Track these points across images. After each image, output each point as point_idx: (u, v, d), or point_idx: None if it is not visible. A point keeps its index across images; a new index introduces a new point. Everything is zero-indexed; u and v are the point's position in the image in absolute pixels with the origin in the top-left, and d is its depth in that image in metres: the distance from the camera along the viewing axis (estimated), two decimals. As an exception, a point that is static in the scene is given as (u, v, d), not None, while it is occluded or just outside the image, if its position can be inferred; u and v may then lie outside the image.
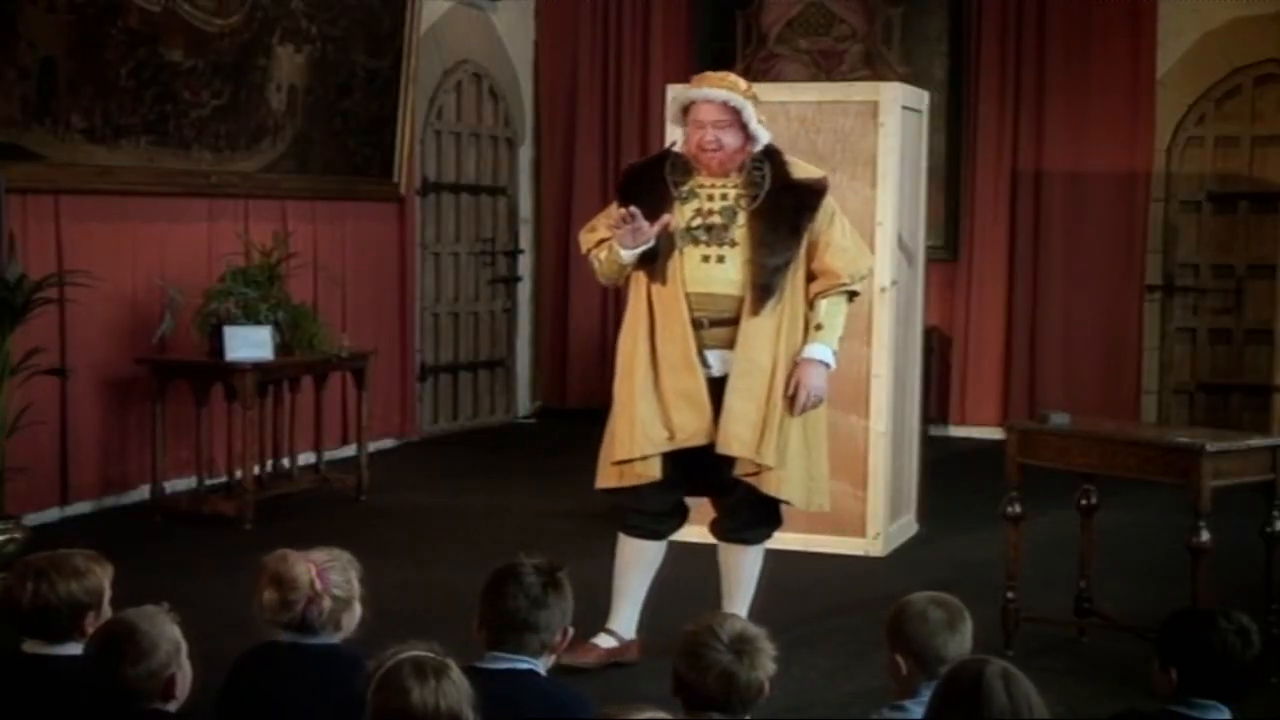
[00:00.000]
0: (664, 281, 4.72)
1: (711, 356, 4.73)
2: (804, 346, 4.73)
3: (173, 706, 2.87)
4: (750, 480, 4.70)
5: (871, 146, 6.44)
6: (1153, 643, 3.19)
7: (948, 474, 8.08)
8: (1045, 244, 9.60)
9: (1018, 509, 5.06)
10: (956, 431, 9.73)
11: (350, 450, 8.01)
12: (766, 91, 7.19)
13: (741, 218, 4.71)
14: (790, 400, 4.70)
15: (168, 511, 6.97)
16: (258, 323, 6.90)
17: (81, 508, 7.04)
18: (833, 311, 4.79)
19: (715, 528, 4.98)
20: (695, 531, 5.20)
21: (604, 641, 4.83)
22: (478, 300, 10.08)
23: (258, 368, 6.88)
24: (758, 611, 4.69)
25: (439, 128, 9.61)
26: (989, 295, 9.74)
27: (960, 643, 3.04)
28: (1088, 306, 9.54)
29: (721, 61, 10.13)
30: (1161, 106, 9.41)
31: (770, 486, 4.72)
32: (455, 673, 2.61)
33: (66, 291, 6.51)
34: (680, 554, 5.15)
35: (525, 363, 10.57)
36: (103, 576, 3.24)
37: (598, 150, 10.31)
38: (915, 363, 7.05)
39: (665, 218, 4.68)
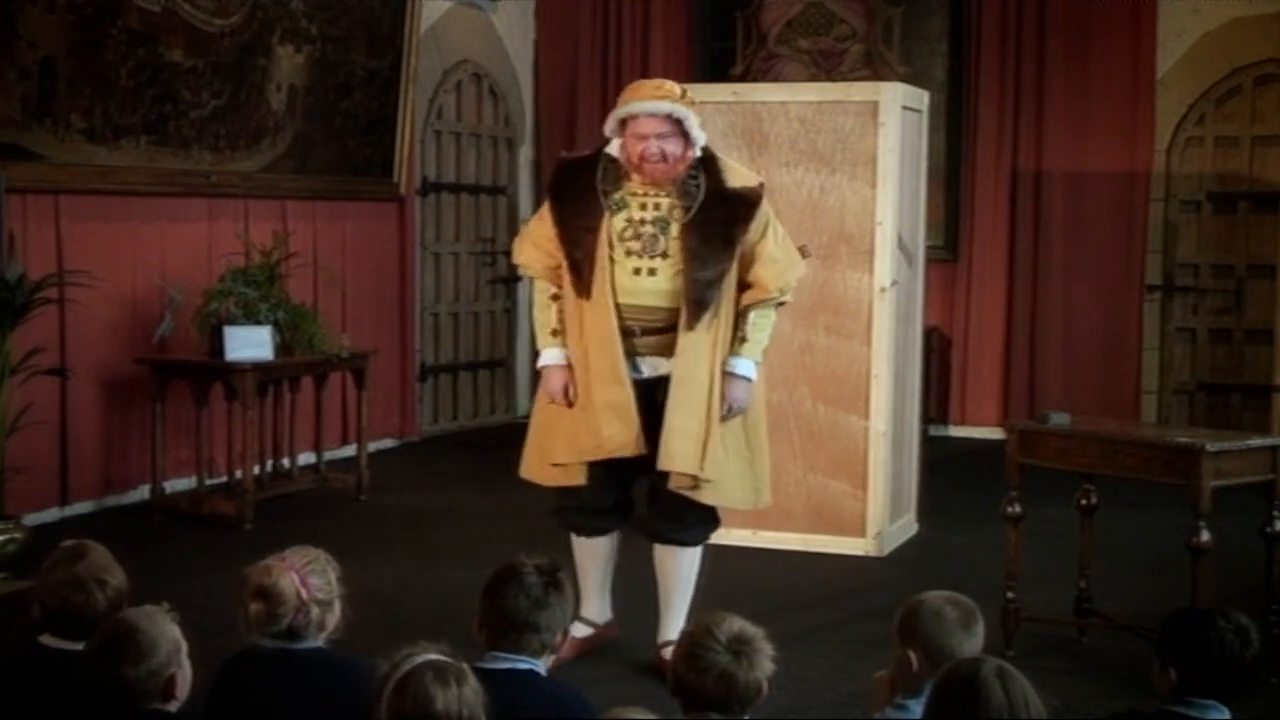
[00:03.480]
0: (592, 293, 4.64)
1: (643, 363, 4.72)
2: (729, 359, 4.68)
3: (173, 706, 2.87)
4: (689, 494, 4.68)
5: (871, 146, 6.44)
6: (1152, 642, 3.19)
7: (948, 474, 8.09)
8: (1045, 244, 9.60)
9: (1018, 509, 5.06)
10: (956, 431, 9.73)
11: (350, 450, 8.01)
12: (766, 92, 7.27)
13: (674, 229, 4.63)
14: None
15: (168, 511, 6.97)
16: (258, 323, 6.90)
17: (81, 508, 7.04)
18: (760, 324, 4.74)
19: (650, 529, 4.90)
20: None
21: (578, 631, 4.82)
22: (477, 300, 10.08)
23: (258, 368, 6.88)
24: (757, 612, 4.67)
25: (439, 128, 9.62)
26: (989, 295, 9.74)
27: (974, 643, 3.04)
28: (1087, 307, 9.53)
29: (721, 61, 10.17)
30: (1161, 106, 9.41)
31: (709, 497, 4.71)
32: (472, 678, 2.62)
33: (66, 291, 6.51)
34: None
35: (525, 363, 10.53)
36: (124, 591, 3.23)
37: (597, 150, 10.31)
38: (915, 363, 7.05)
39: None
